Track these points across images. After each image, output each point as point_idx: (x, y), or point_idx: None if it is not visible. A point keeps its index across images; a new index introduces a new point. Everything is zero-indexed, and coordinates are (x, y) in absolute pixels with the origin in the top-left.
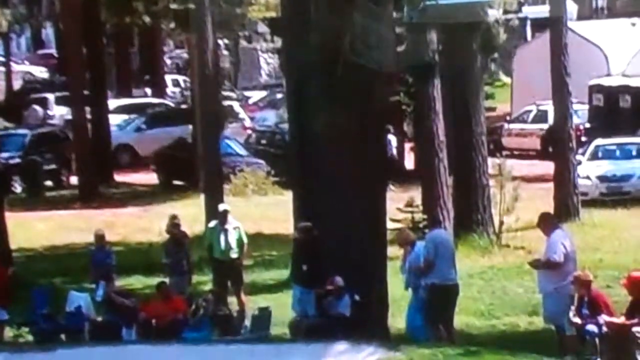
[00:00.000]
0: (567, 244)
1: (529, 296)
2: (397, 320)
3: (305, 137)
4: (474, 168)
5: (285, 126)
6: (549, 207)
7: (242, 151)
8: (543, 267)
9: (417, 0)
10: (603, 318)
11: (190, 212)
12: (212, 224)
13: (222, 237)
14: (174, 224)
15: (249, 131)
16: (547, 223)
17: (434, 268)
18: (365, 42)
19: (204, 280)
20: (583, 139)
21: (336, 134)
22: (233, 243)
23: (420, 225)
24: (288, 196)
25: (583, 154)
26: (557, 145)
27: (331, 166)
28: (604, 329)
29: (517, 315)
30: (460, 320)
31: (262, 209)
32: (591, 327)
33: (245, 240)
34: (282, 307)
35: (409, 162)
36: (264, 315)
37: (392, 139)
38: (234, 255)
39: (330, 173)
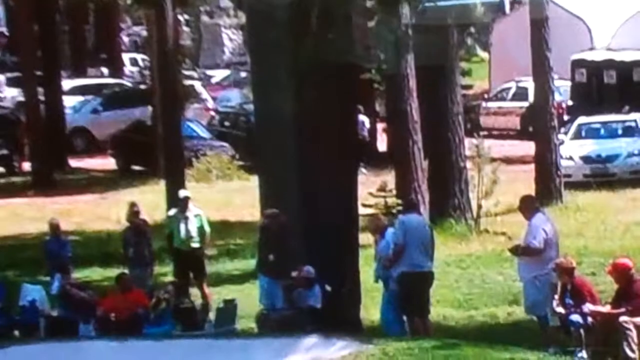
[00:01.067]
0: (547, 229)
1: (509, 285)
2: (371, 312)
3: (272, 118)
4: (450, 149)
5: (250, 107)
6: (530, 190)
7: (204, 134)
8: (522, 253)
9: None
10: (588, 307)
11: (151, 199)
12: (172, 211)
13: (182, 226)
14: (133, 212)
15: (212, 112)
16: (528, 206)
17: (403, 255)
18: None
19: (166, 272)
20: (565, 117)
21: (304, 115)
22: (194, 232)
23: (394, 211)
24: (254, 181)
25: (566, 133)
26: (537, 124)
27: (299, 149)
28: (589, 319)
29: (496, 306)
30: (437, 311)
31: (226, 195)
32: (575, 317)
33: (207, 228)
34: (249, 299)
35: (382, 144)
36: (229, 308)
37: (365, 119)
38: (195, 244)
39: (298, 156)
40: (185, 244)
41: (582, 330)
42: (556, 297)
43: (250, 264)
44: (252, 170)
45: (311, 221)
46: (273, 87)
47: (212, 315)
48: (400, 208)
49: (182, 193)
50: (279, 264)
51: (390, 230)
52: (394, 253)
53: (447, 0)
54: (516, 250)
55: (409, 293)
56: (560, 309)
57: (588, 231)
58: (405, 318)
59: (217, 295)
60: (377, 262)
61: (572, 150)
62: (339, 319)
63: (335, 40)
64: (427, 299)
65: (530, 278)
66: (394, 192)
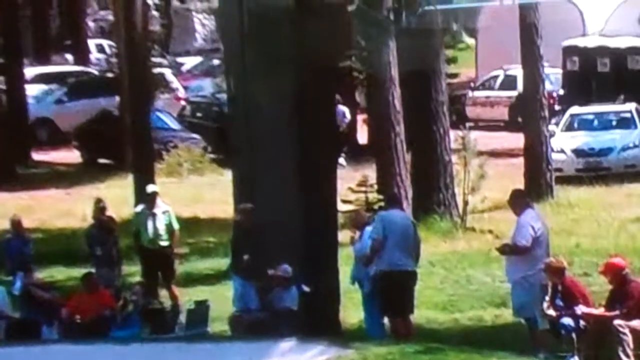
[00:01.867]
0: (537, 227)
1: (496, 286)
2: (350, 314)
3: (246, 108)
4: (434, 142)
5: (223, 96)
6: (519, 185)
7: (175, 125)
8: (510, 252)
9: (415, 5)
10: (580, 309)
11: (118, 194)
12: (139, 208)
13: (149, 223)
14: (99, 208)
15: (183, 102)
16: (518, 201)
17: (382, 252)
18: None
19: (134, 271)
20: (557, 107)
21: (279, 105)
22: (162, 229)
23: (375, 207)
24: (227, 175)
25: (557, 124)
26: (527, 114)
27: (275, 141)
28: (582, 321)
29: (483, 308)
30: (420, 313)
31: (198, 190)
32: (567, 320)
33: (176, 225)
34: (221, 300)
35: (362, 136)
36: (201, 310)
37: (345, 110)
38: (163, 243)
39: (274, 149)
40: (152, 242)
41: (573, 334)
42: (546, 298)
43: (223, 263)
44: (226, 164)
45: (287, 218)
46: (247, 75)
47: (182, 318)
48: (382, 204)
49: (149, 188)
50: (254, 263)
51: (368, 229)
52: (371, 249)
53: None
54: (504, 249)
55: (389, 293)
56: (551, 312)
57: (580, 229)
58: (386, 320)
59: (188, 296)
60: (355, 263)
61: (563, 143)
62: (316, 322)
63: (313, 27)
64: (408, 300)
65: (519, 279)
66: (375, 187)
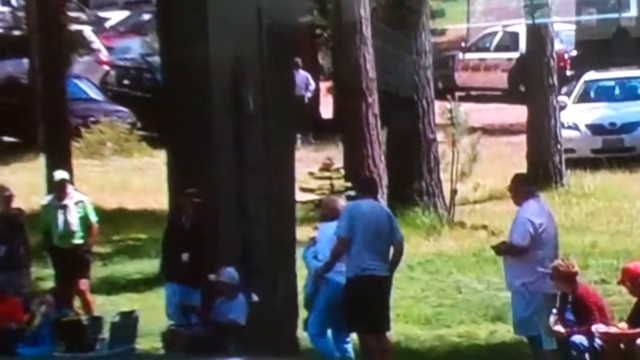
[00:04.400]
0: (537, 222)
1: (492, 295)
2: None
3: (184, 74)
4: (415, 116)
5: (156, 59)
6: (522, 169)
7: (96, 95)
8: (505, 252)
9: None
10: (597, 328)
11: (27, 180)
12: (47, 199)
13: (60, 217)
14: (4, 198)
15: (107, 67)
16: (520, 188)
17: (348, 254)
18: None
19: (48, 275)
20: (568, 72)
21: (225, 70)
22: (75, 224)
23: (343, 196)
24: (160, 157)
25: (568, 94)
26: (531, 82)
27: (218, 115)
28: (597, 340)
29: (475, 322)
30: (398, 329)
31: (124, 175)
32: (579, 339)
33: (93, 218)
34: (153, 311)
35: (326, 108)
36: (127, 323)
37: (307, 76)
38: (77, 240)
39: (218, 124)
40: (64, 240)
41: (587, 356)
42: (554, 311)
43: (156, 265)
44: (159, 143)
45: (234, 210)
46: (186, 33)
47: (105, 332)
48: (351, 193)
49: (57, 175)
50: (193, 265)
51: (331, 225)
52: (333, 251)
53: None
54: (500, 249)
55: (357, 305)
56: (559, 328)
57: (597, 224)
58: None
59: (113, 305)
60: (308, 275)
61: (576, 117)
62: (269, 337)
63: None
64: (382, 313)
65: (519, 286)
66: (342, 171)
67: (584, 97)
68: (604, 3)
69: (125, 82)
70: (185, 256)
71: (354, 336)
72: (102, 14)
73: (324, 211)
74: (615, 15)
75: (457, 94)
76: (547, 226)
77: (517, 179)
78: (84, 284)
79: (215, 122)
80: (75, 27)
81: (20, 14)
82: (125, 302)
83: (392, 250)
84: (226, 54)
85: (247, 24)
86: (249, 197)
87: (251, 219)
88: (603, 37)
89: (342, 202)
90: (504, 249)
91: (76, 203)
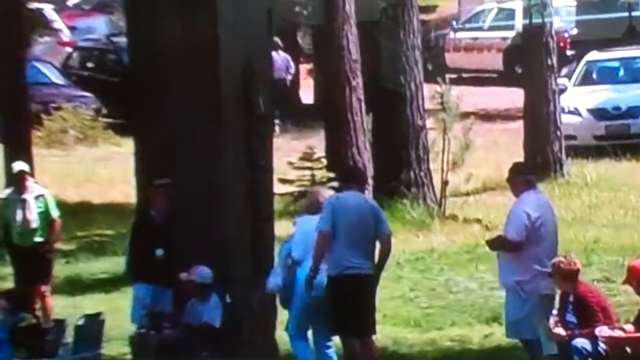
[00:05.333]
0: (534, 215)
1: (486, 295)
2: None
3: (153, 56)
4: (403, 100)
5: (123, 40)
6: (518, 158)
7: (58, 79)
8: (498, 247)
9: None
10: (601, 331)
11: None
12: (5, 192)
13: (19, 213)
14: None
15: (69, 48)
16: (519, 178)
17: (329, 250)
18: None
19: (7, 274)
20: (569, 52)
21: (198, 52)
22: (35, 220)
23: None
24: (127, 146)
25: (569, 76)
26: (528, 63)
27: (188, 101)
28: (601, 344)
29: (469, 325)
30: (385, 331)
31: (89, 166)
32: (581, 342)
33: (55, 214)
34: (121, 314)
35: (307, 93)
36: (93, 326)
37: (288, 57)
38: (38, 238)
39: (190, 110)
40: (23, 237)
41: None
42: (554, 312)
43: (123, 263)
44: (125, 131)
45: (206, 203)
46: (155, 11)
47: (69, 336)
48: (334, 184)
49: (16, 166)
50: (163, 264)
51: (305, 218)
52: (316, 249)
53: None
54: (493, 244)
55: (339, 306)
56: (560, 330)
57: (600, 217)
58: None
59: (77, 307)
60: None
61: (578, 101)
62: (246, 341)
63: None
64: (368, 314)
65: (512, 284)
66: (324, 161)
67: (586, 79)
68: None
69: (90, 64)
70: (159, 252)
71: (336, 340)
72: None
73: (308, 201)
74: None
75: (448, 76)
76: (545, 220)
77: (517, 169)
78: (44, 286)
79: (186, 107)
80: (34, 5)
81: None
82: (90, 303)
83: (378, 246)
84: (202, 36)
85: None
86: (223, 189)
87: (224, 212)
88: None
89: (328, 193)
90: (498, 244)
91: (36, 197)
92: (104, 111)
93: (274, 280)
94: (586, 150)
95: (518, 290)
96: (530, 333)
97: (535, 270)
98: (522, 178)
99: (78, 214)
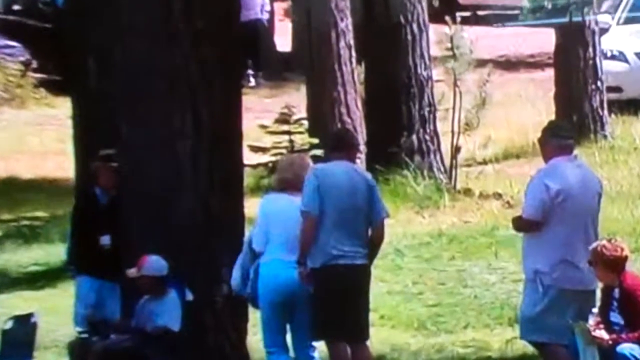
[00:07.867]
0: (554, 187)
1: (508, 289)
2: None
3: None
4: (403, 46)
5: None
6: (548, 115)
7: None
8: (518, 230)
9: None
10: None
11: None
12: None
13: None
14: None
15: None
16: (552, 141)
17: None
18: None
19: None
20: None
21: None
22: None
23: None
24: (64, 108)
25: (611, 11)
26: None
27: (143, 50)
28: None
29: (485, 326)
30: (382, 335)
31: (16, 133)
32: (628, 348)
33: None
34: (57, 315)
35: (283, 40)
36: (23, 330)
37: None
38: None
39: (135, 62)
40: None
41: None
42: (594, 311)
43: (60, 252)
44: (61, 88)
45: (160, 178)
46: None
47: None
48: (317, 152)
49: None
50: (111, 254)
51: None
52: (302, 237)
53: None
54: (517, 225)
55: (325, 303)
56: (601, 333)
57: None
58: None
59: (3, 307)
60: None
61: (623, 43)
62: (210, 349)
63: None
64: (360, 314)
65: (531, 274)
66: (305, 123)
67: (633, 16)
68: None
69: (16, 7)
70: (105, 239)
71: (322, 345)
72: None
73: (281, 176)
74: None
75: (460, 14)
76: (573, 193)
77: (550, 129)
78: None
79: (137, 57)
80: None
81: None
82: (19, 302)
83: (371, 230)
84: None
85: None
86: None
87: (186, 189)
88: None
89: (309, 164)
90: (516, 225)
91: None
92: (34, 65)
93: (236, 274)
94: (634, 105)
95: (537, 283)
96: (545, 335)
97: (556, 259)
98: (556, 142)
99: (5, 192)
